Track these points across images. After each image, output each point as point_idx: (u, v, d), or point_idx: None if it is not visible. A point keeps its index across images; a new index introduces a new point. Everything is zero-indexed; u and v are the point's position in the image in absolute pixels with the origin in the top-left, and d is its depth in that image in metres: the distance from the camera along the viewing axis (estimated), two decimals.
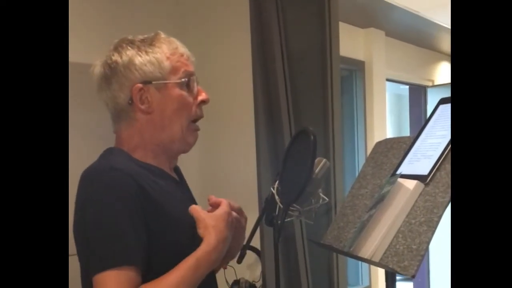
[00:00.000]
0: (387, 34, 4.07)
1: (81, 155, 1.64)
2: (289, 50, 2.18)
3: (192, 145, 1.22)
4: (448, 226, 1.16)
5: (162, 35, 1.19)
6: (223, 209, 1.14)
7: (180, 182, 1.27)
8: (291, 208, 1.17)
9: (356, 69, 3.91)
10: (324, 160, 1.20)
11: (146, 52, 1.14)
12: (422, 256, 1.03)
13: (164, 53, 1.15)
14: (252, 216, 1.31)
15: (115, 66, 1.14)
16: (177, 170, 1.30)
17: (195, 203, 1.25)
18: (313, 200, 1.21)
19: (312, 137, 1.13)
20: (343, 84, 3.30)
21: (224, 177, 2.33)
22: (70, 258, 0.88)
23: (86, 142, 1.77)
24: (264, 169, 2.10)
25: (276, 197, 1.19)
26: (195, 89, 1.19)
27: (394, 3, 3.46)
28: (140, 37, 1.18)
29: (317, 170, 1.18)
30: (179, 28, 2.19)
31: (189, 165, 1.33)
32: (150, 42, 1.16)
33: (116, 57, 1.14)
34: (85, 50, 1.76)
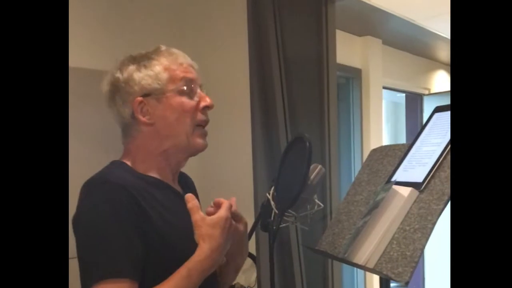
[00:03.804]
0: (384, 42, 4.09)
1: (80, 160, 1.65)
2: (286, 57, 2.20)
3: (201, 150, 1.22)
4: (443, 233, 1.17)
5: (162, 48, 1.21)
6: (221, 214, 1.12)
7: (182, 194, 1.26)
8: (286, 214, 1.18)
9: (353, 77, 3.93)
10: (320, 166, 1.21)
11: (145, 67, 1.17)
12: (416, 262, 1.03)
13: (162, 64, 1.18)
14: (247, 221, 1.31)
15: (117, 83, 1.18)
16: (186, 182, 1.31)
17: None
18: (308, 206, 1.22)
19: (307, 144, 1.14)
20: (340, 91, 3.31)
21: (220, 183, 2.34)
22: (70, 261, 0.89)
23: (86, 147, 1.78)
24: (260, 175, 2.11)
25: (272, 202, 1.20)
26: (197, 95, 1.20)
27: (391, 12, 3.48)
28: (143, 52, 1.21)
29: (312, 177, 1.19)
30: (177, 35, 2.21)
31: (185, 170, 1.33)
32: (149, 56, 1.19)
33: (118, 74, 1.19)
34: (85, 55, 1.78)
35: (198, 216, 1.11)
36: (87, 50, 1.83)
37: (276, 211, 1.18)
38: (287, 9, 2.19)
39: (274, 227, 1.16)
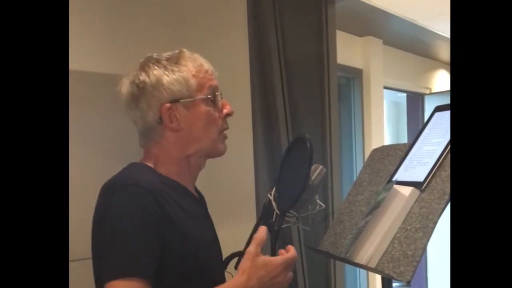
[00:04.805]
0: (385, 43, 4.09)
1: (80, 162, 1.66)
2: (286, 58, 2.20)
3: (222, 154, 1.23)
4: (445, 232, 1.17)
5: (186, 53, 1.20)
6: (276, 260, 1.10)
7: (200, 200, 1.27)
8: (288, 214, 1.18)
9: (354, 77, 3.93)
10: (321, 167, 1.21)
11: (173, 71, 1.16)
12: (417, 262, 1.04)
13: (190, 71, 1.17)
14: (249, 222, 1.32)
15: (143, 86, 1.15)
16: (196, 189, 1.31)
17: (212, 222, 1.26)
18: (310, 207, 1.22)
19: (308, 144, 1.15)
20: (341, 91, 3.32)
21: (222, 183, 2.34)
22: (70, 263, 0.89)
23: (86, 149, 1.78)
24: (262, 176, 2.12)
25: (273, 203, 1.20)
26: (220, 103, 1.21)
27: (392, 12, 3.48)
28: (165, 55, 1.19)
29: (313, 177, 1.19)
30: (176, 35, 2.21)
31: None
32: (175, 61, 1.17)
33: (143, 77, 1.16)
34: (85, 57, 1.78)
35: (254, 249, 1.08)
36: (87, 52, 1.84)
37: (278, 212, 1.18)
38: (288, 9, 2.19)
39: (276, 228, 1.16)
